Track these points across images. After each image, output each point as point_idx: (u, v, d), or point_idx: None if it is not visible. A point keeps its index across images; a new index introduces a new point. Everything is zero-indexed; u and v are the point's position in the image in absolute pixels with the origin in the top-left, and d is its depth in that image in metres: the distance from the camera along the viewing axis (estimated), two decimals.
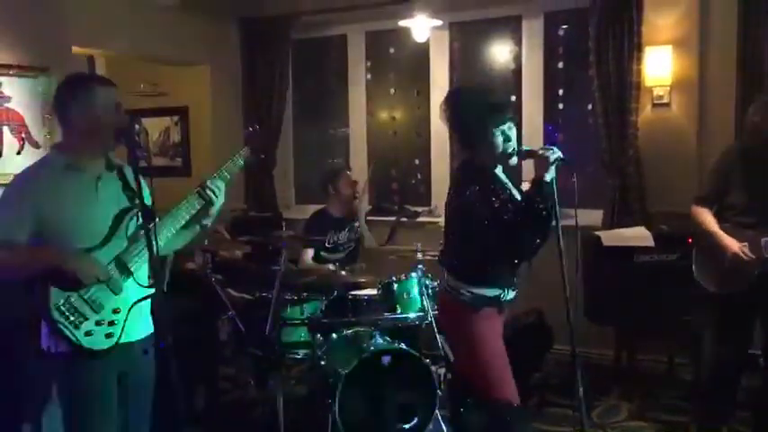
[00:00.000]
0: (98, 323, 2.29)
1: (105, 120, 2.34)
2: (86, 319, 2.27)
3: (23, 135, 4.45)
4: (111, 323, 2.31)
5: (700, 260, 3.44)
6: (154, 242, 2.17)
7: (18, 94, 4.42)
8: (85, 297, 2.27)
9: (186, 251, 4.43)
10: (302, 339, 3.95)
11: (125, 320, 2.34)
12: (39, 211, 2.28)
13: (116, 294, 2.33)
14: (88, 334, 2.26)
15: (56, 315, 2.23)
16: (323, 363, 3.72)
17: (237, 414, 4.22)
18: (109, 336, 2.30)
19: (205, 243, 4.43)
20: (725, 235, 3.26)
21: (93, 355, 2.28)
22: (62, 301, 2.24)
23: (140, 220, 2.35)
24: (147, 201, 2.36)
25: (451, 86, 5.54)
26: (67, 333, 2.24)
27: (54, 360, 2.32)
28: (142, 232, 2.33)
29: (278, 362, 3.87)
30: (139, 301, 2.37)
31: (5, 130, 4.38)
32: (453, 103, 2.83)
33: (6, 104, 4.39)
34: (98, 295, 2.29)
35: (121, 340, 2.33)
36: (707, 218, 3.35)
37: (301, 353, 3.94)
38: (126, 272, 2.35)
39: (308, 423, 3.78)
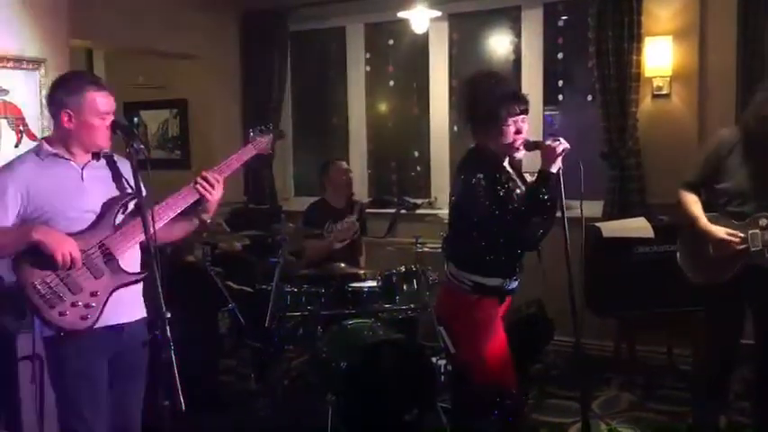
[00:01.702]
0: (73, 304, 2.30)
1: (94, 127, 2.38)
2: (62, 299, 2.28)
3: (21, 128, 4.43)
4: (87, 306, 2.32)
5: (684, 249, 3.36)
6: (149, 229, 2.19)
7: (16, 86, 4.40)
8: (63, 278, 2.29)
9: (185, 244, 4.46)
10: (302, 331, 3.95)
11: (103, 305, 2.34)
12: (23, 196, 2.32)
13: (96, 278, 2.33)
14: (62, 314, 2.28)
15: (30, 293, 2.26)
16: (323, 355, 3.73)
17: (238, 406, 4.23)
18: (84, 318, 2.31)
19: (204, 236, 4.43)
20: (709, 222, 3.17)
21: (69, 335, 2.30)
22: (39, 280, 2.26)
23: (129, 208, 2.41)
24: (138, 189, 2.38)
25: (452, 78, 5.53)
26: (41, 312, 2.27)
27: (44, 343, 2.38)
28: (132, 221, 2.38)
29: (278, 354, 3.87)
30: (121, 286, 2.38)
31: (3, 122, 4.36)
32: (470, 88, 2.84)
33: (4, 97, 4.37)
34: (77, 277, 2.30)
35: (100, 324, 2.35)
36: (693, 204, 3.24)
37: (301, 345, 3.94)
38: (109, 257, 2.35)
39: (308, 415, 3.78)
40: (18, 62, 4.39)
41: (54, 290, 2.28)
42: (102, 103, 2.39)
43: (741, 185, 3.16)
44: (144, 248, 2.35)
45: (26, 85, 4.46)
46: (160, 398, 2.14)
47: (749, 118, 3.19)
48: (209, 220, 2.58)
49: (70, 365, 2.37)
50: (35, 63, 4.46)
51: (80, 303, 2.31)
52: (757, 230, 3.10)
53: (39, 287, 2.26)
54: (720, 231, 3.14)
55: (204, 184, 2.46)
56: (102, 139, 2.43)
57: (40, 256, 2.25)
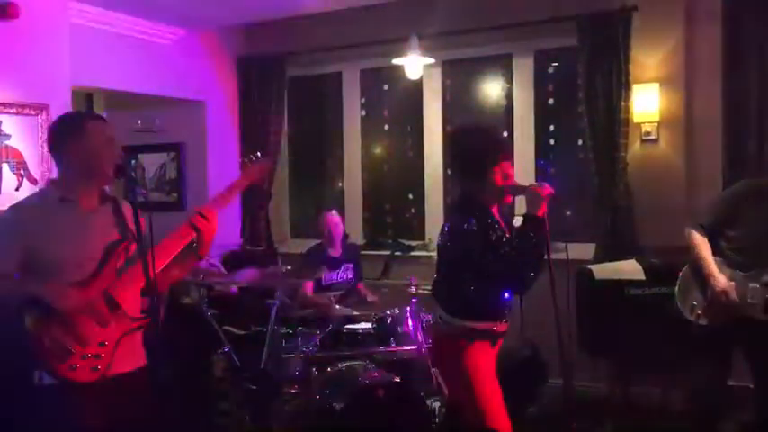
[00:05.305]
0: (83, 357, 2.27)
1: (100, 154, 2.38)
2: (71, 352, 2.26)
3: (22, 172, 4.50)
4: (97, 356, 2.29)
5: (683, 286, 3.44)
6: (150, 271, 2.18)
7: (18, 131, 4.47)
8: (70, 330, 2.26)
9: (181, 286, 4.48)
10: (297, 373, 3.96)
11: (112, 354, 2.32)
12: (28, 241, 2.30)
13: (102, 327, 2.31)
14: (72, 368, 2.25)
15: (38, 346, 2.22)
16: (318, 397, 3.73)
17: None
18: (94, 369, 2.29)
19: (201, 278, 4.46)
20: (716, 269, 3.23)
21: (76, 388, 2.26)
22: (46, 334, 2.23)
23: (131, 252, 2.39)
24: (140, 233, 2.36)
25: (445, 123, 5.64)
26: (52, 366, 2.24)
27: (40, 392, 2.30)
28: (133, 267, 2.35)
29: (273, 396, 3.87)
30: (127, 333, 2.36)
31: (5, 167, 4.42)
32: (456, 139, 2.93)
33: (6, 142, 4.44)
34: (84, 328, 2.28)
35: (108, 373, 2.31)
36: (703, 247, 3.27)
37: (296, 387, 3.95)
38: (113, 305, 2.33)
39: None
40: (21, 108, 4.48)
41: (62, 343, 2.25)
42: (103, 131, 2.41)
43: (754, 237, 3.19)
44: (146, 290, 2.32)
45: (28, 130, 4.53)
46: None
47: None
48: (204, 258, 2.56)
49: (67, 417, 2.28)
50: (38, 108, 4.55)
51: (90, 355, 2.28)
52: (758, 285, 3.16)
53: (46, 341, 2.23)
54: (724, 283, 3.19)
55: (201, 219, 2.45)
56: (108, 167, 2.40)
57: (44, 308, 2.22)
